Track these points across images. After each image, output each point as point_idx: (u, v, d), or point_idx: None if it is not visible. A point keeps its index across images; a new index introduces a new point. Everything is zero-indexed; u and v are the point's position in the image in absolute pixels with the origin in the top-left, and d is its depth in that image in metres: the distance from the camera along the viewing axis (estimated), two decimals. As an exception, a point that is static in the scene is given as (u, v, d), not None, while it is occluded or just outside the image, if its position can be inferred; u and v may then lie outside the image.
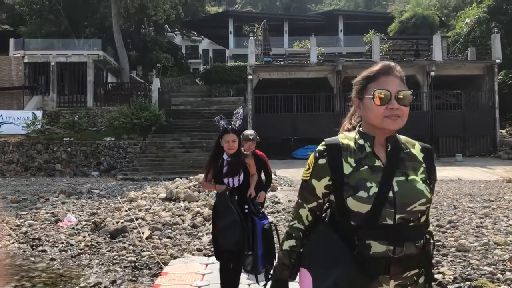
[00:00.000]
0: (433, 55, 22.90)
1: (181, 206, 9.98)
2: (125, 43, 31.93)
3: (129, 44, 35.79)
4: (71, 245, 7.61)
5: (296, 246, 1.80)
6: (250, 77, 22.63)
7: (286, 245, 1.80)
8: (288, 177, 14.86)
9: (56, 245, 7.66)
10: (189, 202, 10.30)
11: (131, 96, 26.04)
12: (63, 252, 7.35)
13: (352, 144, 1.74)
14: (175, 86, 35.25)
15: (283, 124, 21.91)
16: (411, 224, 1.66)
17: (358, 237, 1.63)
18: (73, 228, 8.56)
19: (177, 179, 13.68)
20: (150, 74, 32.18)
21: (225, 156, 4.19)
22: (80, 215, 9.58)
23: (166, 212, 9.43)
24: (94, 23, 33.74)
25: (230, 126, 4.17)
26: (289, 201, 10.74)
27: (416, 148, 1.82)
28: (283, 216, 9.18)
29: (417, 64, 23.09)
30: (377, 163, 1.68)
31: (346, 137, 1.78)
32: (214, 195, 4.27)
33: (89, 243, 7.63)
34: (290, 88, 23.37)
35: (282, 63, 24.77)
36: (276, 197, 11.05)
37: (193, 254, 6.67)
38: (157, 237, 7.64)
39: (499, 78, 23.39)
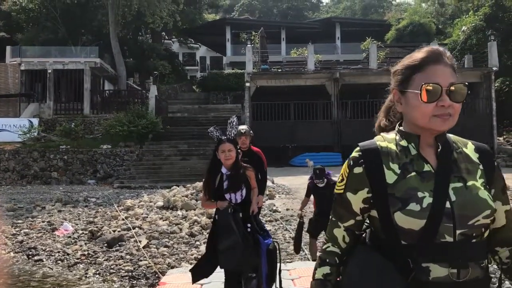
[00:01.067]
0: (430, 62, 22.96)
1: (179, 214, 9.90)
2: (122, 50, 31.91)
3: (126, 52, 35.78)
4: (68, 254, 7.53)
5: (331, 274, 1.51)
6: (247, 84, 22.63)
7: (319, 273, 1.52)
8: (286, 185, 14.80)
9: (53, 254, 7.58)
10: (186, 211, 10.22)
11: (128, 104, 25.99)
12: (59, 262, 7.27)
13: (393, 146, 1.46)
14: (172, 93, 35.21)
15: (280, 132, 21.88)
16: (474, 240, 1.38)
17: (412, 260, 1.35)
18: (69, 237, 8.47)
19: (174, 187, 13.61)
20: (147, 81, 32.16)
21: (224, 171, 3.95)
22: (77, 224, 9.49)
23: (163, 220, 9.36)
24: (91, 30, 33.74)
25: (225, 137, 3.97)
26: (287, 209, 10.67)
27: (469, 148, 1.52)
28: (281, 225, 9.11)
29: (414, 71, 23.12)
30: (427, 167, 1.41)
31: (385, 138, 1.50)
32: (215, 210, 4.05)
33: (86, 252, 7.54)
34: (287, 95, 23.37)
35: (279, 70, 24.80)
36: (274, 205, 10.98)
37: (191, 264, 6.60)
38: (154, 246, 7.56)
39: (496, 85, 23.47)
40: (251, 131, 5.47)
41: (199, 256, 6.88)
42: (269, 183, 13.64)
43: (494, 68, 22.18)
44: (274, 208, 10.74)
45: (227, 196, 3.91)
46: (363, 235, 1.53)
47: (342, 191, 1.49)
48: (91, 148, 21.29)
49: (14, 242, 8.33)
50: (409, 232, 1.35)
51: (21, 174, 20.46)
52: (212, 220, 4.32)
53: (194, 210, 10.26)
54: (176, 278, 5.50)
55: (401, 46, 28.95)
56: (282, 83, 23.17)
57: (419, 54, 1.47)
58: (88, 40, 32.70)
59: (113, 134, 21.69)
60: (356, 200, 1.46)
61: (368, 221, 1.52)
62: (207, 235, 5.67)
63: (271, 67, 25.33)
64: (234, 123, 4.02)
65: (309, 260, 6.31)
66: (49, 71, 26.95)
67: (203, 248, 7.17)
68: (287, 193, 13.37)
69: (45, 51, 28.60)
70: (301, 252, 6.48)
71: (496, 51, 22.37)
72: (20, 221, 9.86)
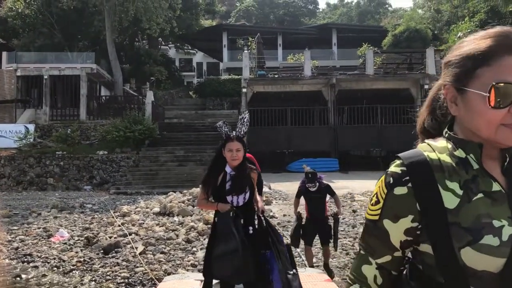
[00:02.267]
0: (426, 68, 23.08)
1: (175, 220, 9.86)
2: (119, 56, 31.93)
3: (122, 57, 35.80)
4: (63, 261, 7.47)
5: None
6: (244, 90, 22.68)
7: None
8: (283, 190, 14.79)
9: (48, 261, 7.52)
10: (183, 217, 10.18)
11: (124, 109, 25.94)
12: (55, 268, 7.21)
13: (447, 158, 1.09)
14: (169, 99, 35.21)
15: (277, 137, 21.91)
16: None
17: None
18: (65, 243, 8.41)
19: (170, 193, 13.56)
20: (144, 87, 32.14)
21: (228, 169, 3.65)
22: (73, 230, 9.43)
23: (160, 226, 9.32)
24: (87, 36, 33.75)
25: (234, 133, 3.65)
26: (284, 215, 10.65)
27: None
28: (279, 231, 9.07)
29: (411, 77, 23.23)
30: (495, 186, 1.05)
31: (434, 147, 1.12)
32: (214, 212, 3.83)
33: (82, 259, 7.49)
34: (284, 101, 23.42)
35: (276, 76, 24.86)
36: (271, 211, 10.96)
37: (188, 270, 6.57)
38: (150, 252, 7.52)
39: (491, 91, 23.59)
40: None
41: (196, 263, 6.85)
42: (266, 189, 13.64)
43: (490, 74, 22.28)
44: (271, 213, 10.71)
45: (229, 198, 3.64)
46: (404, 273, 1.17)
47: (376, 217, 1.12)
48: (87, 154, 21.21)
49: (9, 248, 8.27)
50: (483, 275, 1.00)
51: (17, 180, 20.35)
52: (211, 223, 4.07)
53: (191, 216, 10.23)
54: (173, 285, 5.46)
55: (397, 52, 29.10)
56: (279, 89, 23.23)
57: (484, 39, 1.05)
58: (85, 46, 32.70)
59: (109, 140, 21.63)
60: (397, 231, 1.10)
61: (411, 256, 1.16)
62: (206, 241, 5.66)
63: (267, 73, 25.39)
64: (245, 119, 3.72)
65: (306, 266, 6.28)
66: (45, 77, 26.90)
67: (199, 255, 7.14)
68: (284, 199, 13.35)
69: (41, 57, 28.55)
70: (298, 258, 6.46)
71: (491, 57, 22.48)
72: (15, 228, 9.79)
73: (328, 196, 6.34)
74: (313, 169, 6.22)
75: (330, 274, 6.03)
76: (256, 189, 3.90)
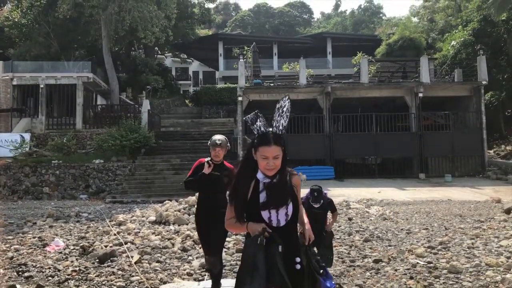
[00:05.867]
0: (420, 76, 23.23)
1: (171, 229, 9.86)
2: (115, 65, 31.99)
3: (119, 66, 35.87)
4: (59, 270, 7.45)
5: None
6: (240, 98, 22.75)
7: None
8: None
9: (43, 270, 7.50)
10: (179, 225, 10.18)
11: (120, 118, 25.97)
12: (49, 278, 7.20)
13: None
14: (165, 107, 35.28)
15: (273, 146, 21.90)
16: None
17: None
18: (60, 252, 8.39)
19: (166, 201, 13.56)
20: (140, 96, 32.22)
21: (260, 176, 2.71)
22: (68, 239, 9.41)
23: (156, 235, 9.31)
24: (84, 45, 33.82)
25: (270, 130, 2.74)
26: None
27: None
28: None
29: (405, 85, 23.37)
30: None
31: None
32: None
33: (77, 268, 7.47)
34: (280, 109, 23.47)
35: (272, 84, 24.96)
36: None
37: (183, 279, 6.57)
38: (146, 261, 7.52)
39: (485, 99, 23.76)
40: (228, 144, 5.11)
41: (192, 271, 6.85)
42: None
43: (484, 82, 22.47)
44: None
45: (265, 214, 2.65)
46: None
47: None
48: (83, 163, 21.20)
49: (4, 258, 8.24)
50: None
51: (12, 189, 20.30)
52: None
53: (187, 224, 10.23)
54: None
55: (392, 61, 29.31)
56: (274, 97, 23.30)
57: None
58: (81, 55, 32.76)
59: (105, 149, 21.63)
60: None
61: None
62: (201, 250, 5.66)
63: (263, 81, 25.49)
64: (285, 108, 2.82)
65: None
66: (42, 86, 26.93)
67: (195, 263, 7.14)
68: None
69: (37, 66, 28.59)
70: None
71: (485, 65, 22.69)
72: (10, 237, 9.75)
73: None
74: (319, 187, 5.98)
75: None
76: (301, 204, 2.90)
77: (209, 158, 4.97)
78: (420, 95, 22.26)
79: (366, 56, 26.25)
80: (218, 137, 4.96)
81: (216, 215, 4.82)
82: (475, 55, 24.48)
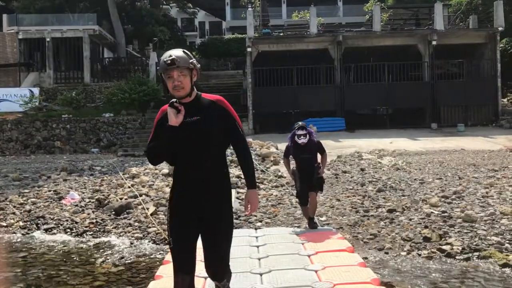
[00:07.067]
0: (434, 24, 22.54)
1: (184, 181, 9.92)
2: (120, 17, 31.32)
3: (124, 18, 35.12)
4: (76, 222, 7.59)
5: None
6: (249, 49, 22.28)
7: None
8: (290, 150, 14.77)
9: (61, 223, 7.64)
10: (192, 177, 10.23)
11: (128, 71, 25.73)
12: (68, 230, 7.34)
13: None
14: (172, 60, 34.82)
15: (283, 97, 21.70)
16: None
17: None
18: (76, 205, 8.52)
19: (178, 154, 13.58)
20: (147, 48, 31.77)
21: None
22: (83, 192, 9.53)
23: (169, 187, 9.38)
24: (88, -4, 33.04)
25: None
26: (293, 174, 10.68)
27: None
28: (287, 190, 9.15)
29: (418, 33, 22.75)
30: None
31: None
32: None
33: (94, 220, 7.60)
34: (290, 60, 23.07)
35: (281, 34, 24.40)
36: (279, 171, 11.00)
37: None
38: (162, 212, 7.61)
39: (501, 46, 23.11)
40: (194, 60, 2.97)
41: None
42: (273, 149, 13.64)
43: (500, 29, 21.77)
44: (280, 173, 10.76)
45: None
46: None
47: None
48: (93, 116, 21.22)
49: (22, 211, 8.39)
50: None
51: (25, 144, 20.47)
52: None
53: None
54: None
55: (404, 7, 28.37)
56: (284, 48, 22.85)
57: None
58: (86, 7, 32.07)
59: (114, 103, 21.56)
60: None
61: None
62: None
63: (272, 31, 24.91)
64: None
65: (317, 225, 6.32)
66: (48, 39, 26.56)
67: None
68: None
69: (42, 19, 28.07)
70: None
71: (502, 11, 21.90)
72: (26, 191, 9.90)
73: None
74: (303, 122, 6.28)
75: (315, 228, 6.00)
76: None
77: (173, 100, 3.09)
78: (434, 43, 21.67)
79: (378, 2, 25.43)
80: (169, 53, 2.93)
81: (210, 197, 2.96)
82: (491, 0, 23.60)
